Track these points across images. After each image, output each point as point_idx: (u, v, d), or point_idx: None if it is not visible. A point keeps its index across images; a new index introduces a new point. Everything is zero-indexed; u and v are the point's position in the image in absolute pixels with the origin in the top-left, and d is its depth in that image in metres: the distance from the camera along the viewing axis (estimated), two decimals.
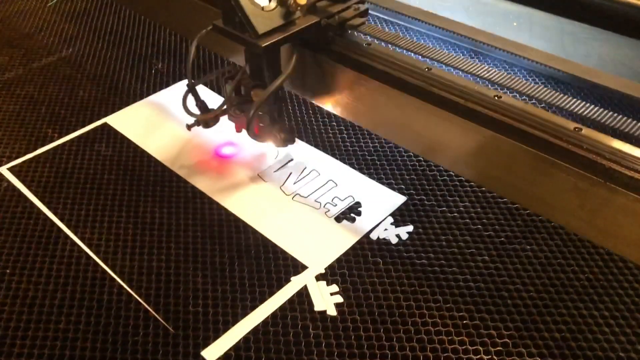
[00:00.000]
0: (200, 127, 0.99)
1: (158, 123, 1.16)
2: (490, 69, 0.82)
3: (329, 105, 1.05)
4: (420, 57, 0.88)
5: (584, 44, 1.20)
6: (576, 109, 0.74)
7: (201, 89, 1.00)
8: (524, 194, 0.82)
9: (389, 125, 0.95)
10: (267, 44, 0.83)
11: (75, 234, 0.93)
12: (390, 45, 0.90)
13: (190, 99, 0.97)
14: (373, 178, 1.02)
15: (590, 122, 0.74)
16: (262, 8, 0.83)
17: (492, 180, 0.87)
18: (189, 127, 0.98)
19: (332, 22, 0.89)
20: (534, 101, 0.77)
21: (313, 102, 1.14)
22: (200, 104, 0.98)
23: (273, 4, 0.85)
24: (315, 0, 0.90)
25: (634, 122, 0.71)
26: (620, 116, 0.72)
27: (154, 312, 0.81)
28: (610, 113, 0.72)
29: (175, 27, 1.40)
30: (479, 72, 0.81)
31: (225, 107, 0.98)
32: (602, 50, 1.18)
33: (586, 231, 0.76)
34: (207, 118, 0.97)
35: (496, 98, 0.78)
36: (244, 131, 0.95)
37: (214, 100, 1.14)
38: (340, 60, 0.91)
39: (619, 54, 1.16)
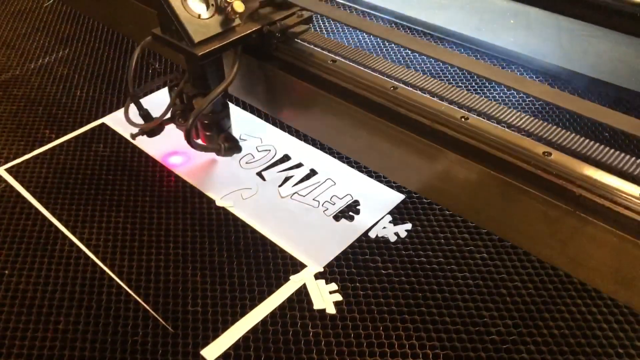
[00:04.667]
0: (145, 137, 0.97)
1: None
2: (457, 90, 0.79)
3: (277, 114, 1.02)
4: (382, 75, 0.84)
5: (581, 41, 1.20)
6: (545, 134, 0.70)
7: (162, 96, 0.97)
8: (494, 221, 0.78)
9: (348, 143, 0.92)
10: (203, 52, 0.82)
11: (74, 234, 0.93)
12: (344, 60, 0.87)
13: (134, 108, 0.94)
14: (371, 176, 1.02)
15: (559, 147, 0.70)
16: (199, 16, 0.82)
17: (461, 205, 0.83)
18: (133, 136, 0.97)
19: (274, 29, 0.87)
20: (502, 124, 0.74)
21: (262, 110, 1.12)
22: (144, 113, 0.96)
23: (210, 12, 0.83)
24: (256, 7, 0.89)
25: (605, 148, 0.68)
26: (591, 142, 0.68)
27: (153, 312, 0.81)
28: (581, 139, 0.69)
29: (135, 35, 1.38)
30: (445, 94, 0.78)
31: (169, 115, 0.96)
32: (599, 47, 1.18)
33: (558, 261, 0.73)
34: (149, 127, 0.95)
35: (463, 119, 0.76)
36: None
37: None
38: (284, 67, 0.89)
39: (617, 50, 1.17)
